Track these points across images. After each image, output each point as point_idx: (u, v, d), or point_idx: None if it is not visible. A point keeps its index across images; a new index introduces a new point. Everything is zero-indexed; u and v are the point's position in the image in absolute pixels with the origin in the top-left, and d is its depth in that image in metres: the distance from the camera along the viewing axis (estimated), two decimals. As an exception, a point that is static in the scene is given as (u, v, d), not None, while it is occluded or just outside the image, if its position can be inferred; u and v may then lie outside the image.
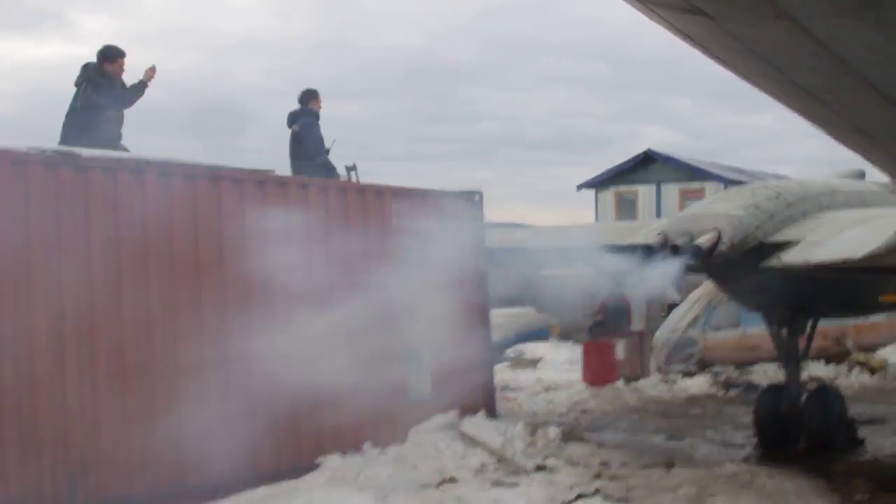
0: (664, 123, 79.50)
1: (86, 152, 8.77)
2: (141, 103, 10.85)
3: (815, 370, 19.74)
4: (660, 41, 75.74)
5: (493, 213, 12.76)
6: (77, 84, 10.49)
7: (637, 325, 19.88)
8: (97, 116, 10.34)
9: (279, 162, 10.68)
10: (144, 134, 10.98)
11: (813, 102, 4.35)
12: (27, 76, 63.55)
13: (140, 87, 10.60)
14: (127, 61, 10.72)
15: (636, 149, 37.06)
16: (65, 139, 10.06)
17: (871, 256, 8.95)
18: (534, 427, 12.40)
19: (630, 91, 79.86)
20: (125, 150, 10.14)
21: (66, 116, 10.41)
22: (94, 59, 10.64)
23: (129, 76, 10.84)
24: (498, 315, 17.19)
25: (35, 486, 8.02)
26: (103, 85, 10.41)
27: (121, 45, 10.75)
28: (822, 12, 3.26)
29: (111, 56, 10.58)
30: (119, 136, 10.52)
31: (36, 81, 62.19)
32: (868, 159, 5.76)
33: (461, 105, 75.36)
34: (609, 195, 31.10)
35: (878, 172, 7.14)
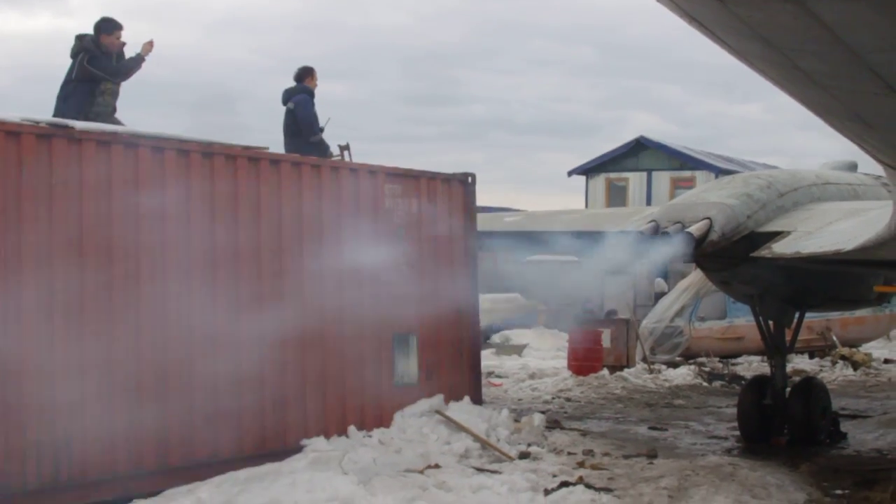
0: (653, 111, 79.65)
1: (80, 125, 8.64)
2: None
3: (800, 363, 19.84)
4: (649, 28, 75.77)
5: (482, 196, 12.64)
6: (73, 55, 10.36)
7: (623, 313, 19.88)
8: (93, 88, 10.24)
9: (266, 140, 10.54)
10: (131, 109, 10.83)
11: (814, 88, 4.32)
12: (16, 48, 63.17)
13: (137, 61, 10.50)
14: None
15: (625, 136, 37.15)
16: (59, 110, 9.94)
17: (863, 249, 8.94)
18: (518, 414, 12.40)
19: (619, 77, 79.87)
20: (120, 123, 10.02)
21: (62, 88, 10.30)
22: (84, 31, 10.51)
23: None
24: (485, 300, 17.16)
25: None
26: (99, 57, 10.30)
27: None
28: (831, -4, 3.22)
29: (108, 28, 10.47)
30: (114, 110, 10.42)
31: (25, 54, 61.85)
32: (864, 148, 5.73)
33: (450, 87, 75.25)
34: (600, 182, 31.09)
35: (871, 164, 7.10)
